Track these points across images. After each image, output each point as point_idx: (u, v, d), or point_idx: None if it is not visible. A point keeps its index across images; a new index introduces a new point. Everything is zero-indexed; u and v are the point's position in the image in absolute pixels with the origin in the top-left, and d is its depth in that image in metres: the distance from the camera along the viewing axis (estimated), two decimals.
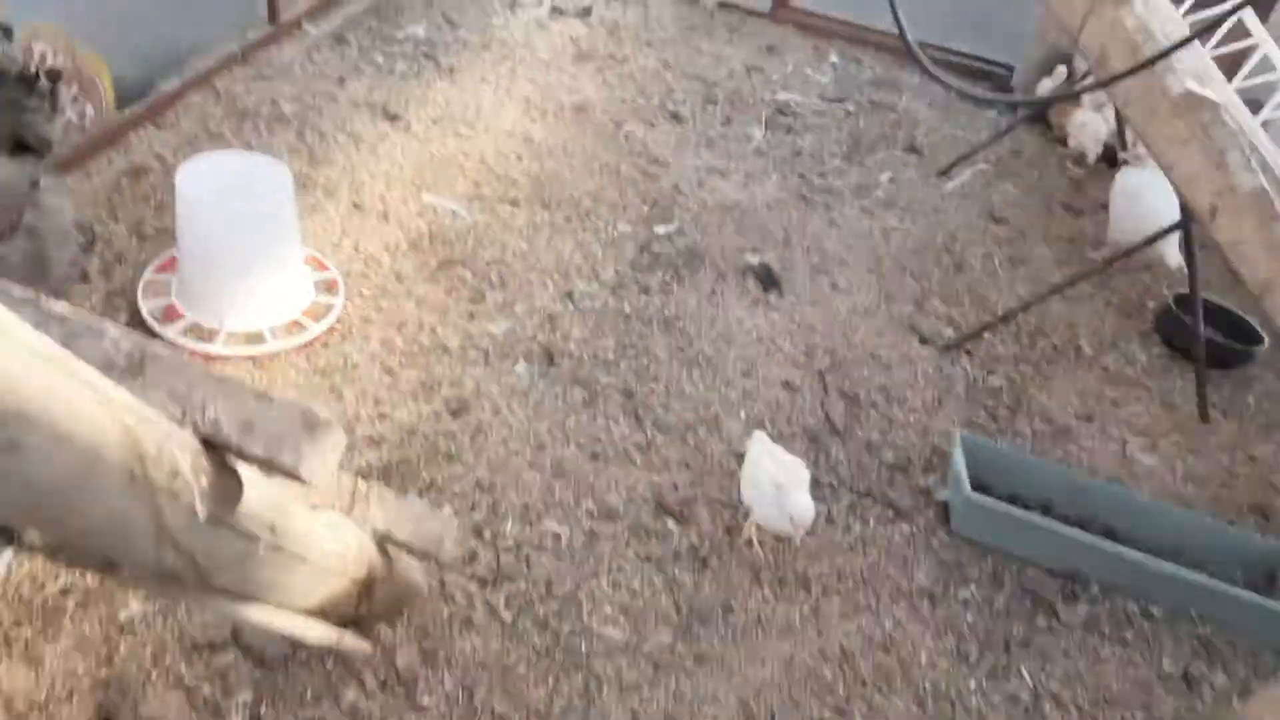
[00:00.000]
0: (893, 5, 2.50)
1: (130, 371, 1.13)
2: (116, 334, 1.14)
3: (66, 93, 3.03)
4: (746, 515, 2.36)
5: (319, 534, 1.43)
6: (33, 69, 2.28)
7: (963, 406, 2.95)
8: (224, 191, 2.51)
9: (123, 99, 3.30)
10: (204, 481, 1.06)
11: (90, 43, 3.08)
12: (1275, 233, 2.45)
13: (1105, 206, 3.79)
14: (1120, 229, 3.59)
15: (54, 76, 2.34)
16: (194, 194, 2.48)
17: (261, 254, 2.59)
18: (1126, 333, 3.40)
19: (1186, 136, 2.54)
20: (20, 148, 2.31)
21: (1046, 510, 2.64)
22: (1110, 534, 2.58)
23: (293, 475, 1.11)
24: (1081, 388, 3.12)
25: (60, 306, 1.14)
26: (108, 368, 1.14)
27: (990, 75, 4.86)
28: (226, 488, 1.12)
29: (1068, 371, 3.18)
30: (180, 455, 1.02)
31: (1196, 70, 2.56)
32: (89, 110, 3.14)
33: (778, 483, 2.20)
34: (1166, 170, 2.68)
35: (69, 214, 2.45)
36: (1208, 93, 2.44)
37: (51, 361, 0.81)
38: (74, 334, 1.14)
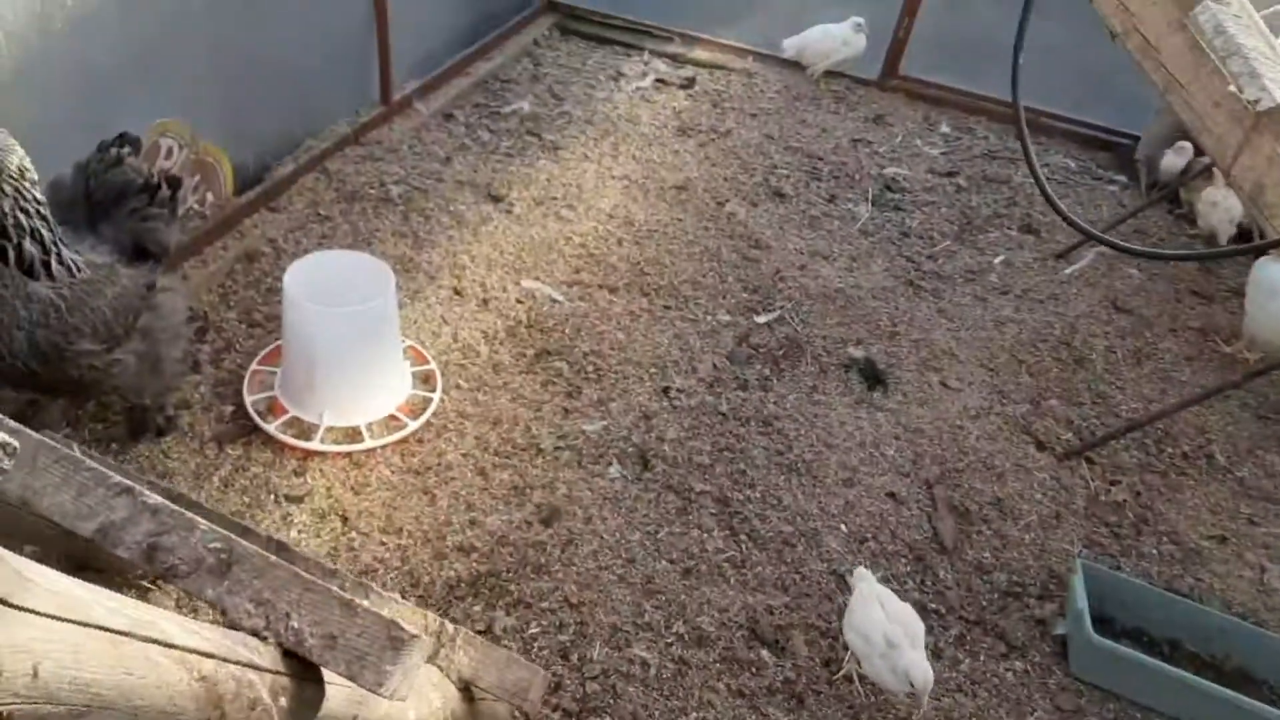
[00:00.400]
0: (1020, 129, 2.33)
1: (217, 571, 1.11)
2: (205, 530, 1.13)
3: (189, 182, 3.15)
4: (846, 648, 2.24)
5: (401, 708, 1.39)
6: (155, 179, 2.35)
7: (1082, 523, 2.75)
8: (328, 294, 2.54)
9: (241, 185, 3.41)
10: (283, 702, 1.03)
11: (212, 133, 3.20)
12: None
13: (1239, 292, 3.53)
14: (1257, 324, 3.33)
15: (174, 185, 2.42)
16: (299, 297, 2.52)
17: (363, 355, 2.62)
18: (1265, 440, 3.13)
19: None
20: (140, 252, 2.39)
21: (1174, 647, 2.47)
22: (1245, 677, 2.40)
23: (374, 692, 1.07)
24: (1214, 503, 2.88)
25: (154, 499, 1.14)
26: (196, 564, 1.13)
27: (1113, 146, 4.64)
28: (307, 697, 1.09)
29: (1199, 484, 2.94)
30: (259, 682, 0.99)
31: None
32: (209, 198, 3.25)
33: (890, 639, 2.04)
34: None
35: (183, 313, 2.52)
36: None
37: (123, 635, 0.79)
38: (164, 528, 1.13)
